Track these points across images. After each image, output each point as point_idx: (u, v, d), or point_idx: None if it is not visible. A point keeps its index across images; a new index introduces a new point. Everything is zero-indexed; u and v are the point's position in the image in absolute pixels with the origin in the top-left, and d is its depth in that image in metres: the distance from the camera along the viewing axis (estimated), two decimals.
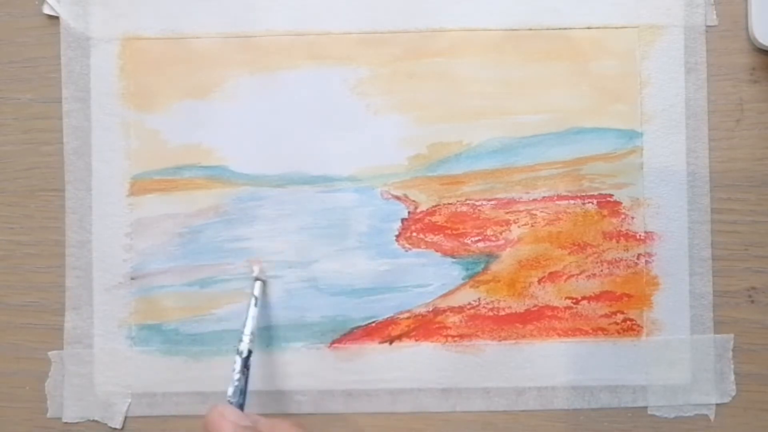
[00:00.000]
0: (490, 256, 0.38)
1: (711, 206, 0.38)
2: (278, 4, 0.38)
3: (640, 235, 0.38)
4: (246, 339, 0.35)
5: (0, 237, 0.39)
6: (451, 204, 0.38)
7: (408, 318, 0.38)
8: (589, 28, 0.38)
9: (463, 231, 0.38)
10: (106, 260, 0.38)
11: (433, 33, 0.38)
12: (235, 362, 0.34)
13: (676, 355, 0.38)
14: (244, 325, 0.35)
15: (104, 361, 0.38)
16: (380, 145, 0.38)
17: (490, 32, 0.38)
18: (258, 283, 0.37)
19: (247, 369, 0.34)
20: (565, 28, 0.38)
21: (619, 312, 0.38)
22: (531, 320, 0.38)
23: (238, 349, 0.35)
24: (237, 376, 0.34)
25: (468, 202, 0.38)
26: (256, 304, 0.36)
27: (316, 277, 0.38)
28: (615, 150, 0.38)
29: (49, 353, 0.38)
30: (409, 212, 0.38)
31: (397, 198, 0.38)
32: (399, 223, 0.38)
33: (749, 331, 0.38)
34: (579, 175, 0.38)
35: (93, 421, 0.38)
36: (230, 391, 0.34)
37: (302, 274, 0.38)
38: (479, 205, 0.38)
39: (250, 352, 0.35)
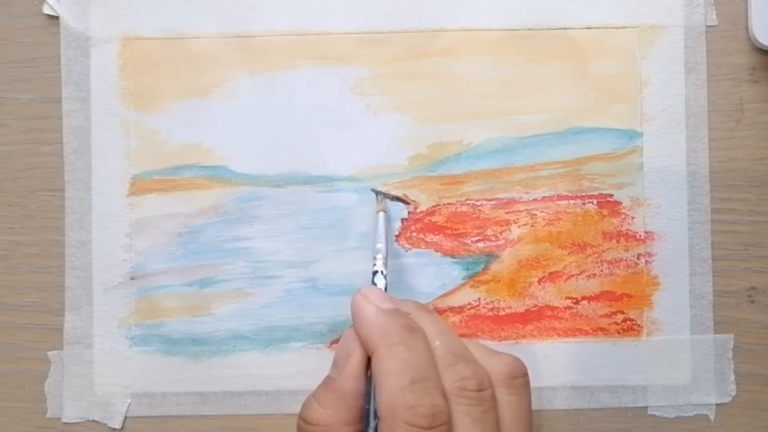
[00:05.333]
0: (490, 256, 0.38)
1: (711, 206, 0.38)
2: (278, 4, 0.38)
3: (640, 235, 0.38)
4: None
5: (0, 237, 0.39)
6: (451, 204, 0.38)
7: None
8: (589, 28, 0.38)
9: (463, 231, 0.38)
10: (106, 260, 0.38)
11: (433, 33, 0.38)
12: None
13: (676, 355, 0.38)
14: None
15: (104, 361, 0.38)
16: (380, 145, 0.38)
17: (490, 32, 0.38)
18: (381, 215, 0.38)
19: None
20: (565, 28, 0.38)
21: (619, 312, 0.38)
22: (531, 320, 0.38)
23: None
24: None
25: (468, 202, 0.38)
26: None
27: (316, 277, 0.38)
28: (615, 150, 0.38)
29: (49, 353, 0.38)
30: (409, 212, 0.38)
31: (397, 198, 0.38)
32: (399, 223, 0.38)
33: (749, 331, 0.38)
34: (579, 175, 0.38)
35: (93, 421, 0.38)
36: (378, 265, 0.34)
37: (302, 274, 0.38)
38: (479, 205, 0.38)
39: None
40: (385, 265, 0.35)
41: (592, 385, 0.38)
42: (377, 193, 0.38)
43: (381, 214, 0.37)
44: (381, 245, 0.35)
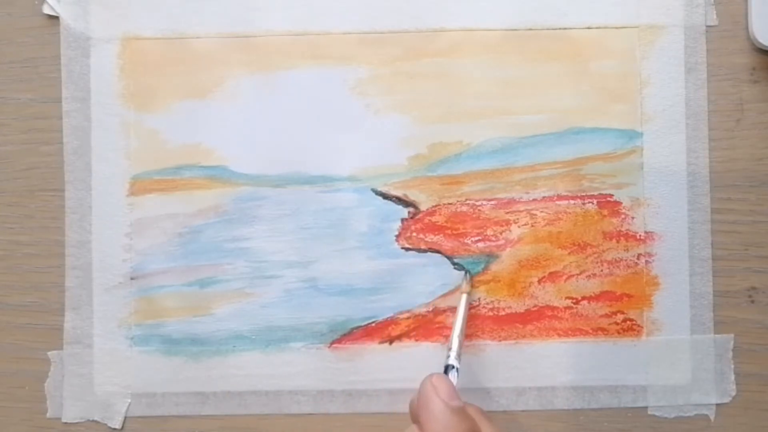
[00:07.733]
0: (490, 256, 0.38)
1: (711, 206, 0.38)
2: (278, 4, 0.38)
3: (640, 235, 0.38)
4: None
5: (0, 237, 0.39)
6: (451, 204, 0.38)
7: (408, 318, 0.38)
8: (589, 28, 0.38)
9: (463, 231, 0.38)
10: (106, 260, 0.38)
11: (433, 33, 0.38)
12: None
13: (676, 355, 0.38)
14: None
15: (104, 361, 0.38)
16: (380, 145, 0.38)
17: (490, 32, 0.38)
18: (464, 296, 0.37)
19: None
20: (565, 28, 0.38)
21: (619, 312, 0.38)
22: (531, 320, 0.38)
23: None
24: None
25: (468, 202, 0.38)
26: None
27: (316, 277, 0.38)
28: (615, 150, 0.38)
29: (49, 353, 0.38)
30: (409, 212, 0.38)
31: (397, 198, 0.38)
32: (399, 223, 0.38)
33: (749, 331, 0.38)
34: (579, 175, 0.38)
35: (92, 421, 0.38)
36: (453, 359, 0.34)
37: (302, 274, 0.38)
38: (479, 205, 0.38)
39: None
40: (459, 357, 0.34)
41: (592, 385, 0.38)
42: (466, 271, 0.37)
43: (465, 296, 0.37)
44: (458, 337, 0.35)
